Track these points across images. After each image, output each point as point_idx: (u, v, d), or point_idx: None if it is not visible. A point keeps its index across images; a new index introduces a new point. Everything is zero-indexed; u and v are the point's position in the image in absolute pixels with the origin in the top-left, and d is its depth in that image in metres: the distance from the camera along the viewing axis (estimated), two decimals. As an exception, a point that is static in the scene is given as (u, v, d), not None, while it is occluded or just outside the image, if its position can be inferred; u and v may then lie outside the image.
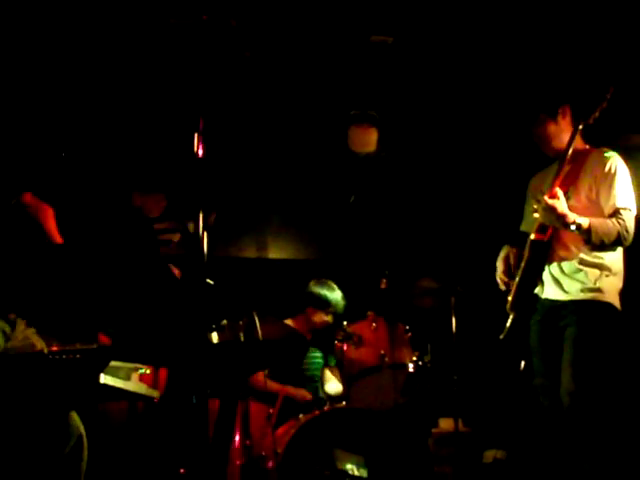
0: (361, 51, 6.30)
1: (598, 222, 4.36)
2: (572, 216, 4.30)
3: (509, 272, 4.66)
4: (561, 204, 4.30)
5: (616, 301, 4.49)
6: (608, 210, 4.40)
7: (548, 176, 4.70)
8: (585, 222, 4.31)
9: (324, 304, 6.30)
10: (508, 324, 4.52)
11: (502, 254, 4.78)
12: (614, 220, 4.37)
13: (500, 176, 6.73)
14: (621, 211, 4.39)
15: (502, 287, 4.68)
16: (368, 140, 6.89)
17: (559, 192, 4.34)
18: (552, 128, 4.63)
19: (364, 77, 6.49)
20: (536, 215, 4.48)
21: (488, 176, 7.01)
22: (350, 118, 6.88)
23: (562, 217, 4.28)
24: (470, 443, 6.36)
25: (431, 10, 5.88)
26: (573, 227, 4.31)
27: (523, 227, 4.88)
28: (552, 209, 4.27)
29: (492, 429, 6.63)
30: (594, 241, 4.35)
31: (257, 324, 4.60)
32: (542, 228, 4.47)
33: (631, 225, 4.40)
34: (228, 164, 6.17)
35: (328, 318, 6.33)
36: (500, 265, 4.74)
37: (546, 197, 4.33)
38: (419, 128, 7.00)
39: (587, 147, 4.70)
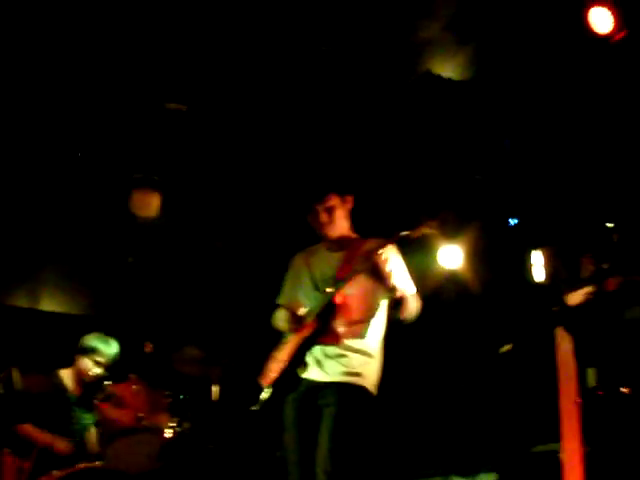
0: (153, 117, 6.37)
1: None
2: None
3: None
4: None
5: (373, 387, 4.60)
6: (400, 293, 4.49)
7: (315, 256, 4.81)
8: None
9: (91, 351, 6.21)
10: (263, 397, 4.57)
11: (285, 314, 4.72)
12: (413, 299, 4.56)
13: (269, 249, 6.89)
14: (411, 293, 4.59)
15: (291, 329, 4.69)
16: (150, 204, 6.92)
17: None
18: (339, 211, 4.68)
19: (152, 141, 6.56)
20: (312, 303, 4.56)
21: (258, 250, 7.19)
22: (134, 181, 6.90)
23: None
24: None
25: (226, 81, 6.04)
26: (398, 294, 4.40)
27: (281, 301, 4.89)
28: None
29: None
30: (409, 311, 4.50)
31: (16, 377, 4.49)
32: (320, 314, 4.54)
33: None
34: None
35: (96, 369, 6.23)
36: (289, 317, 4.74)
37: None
38: (202, 195, 7.12)
39: (357, 236, 4.83)
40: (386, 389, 4.71)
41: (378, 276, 4.38)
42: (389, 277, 4.40)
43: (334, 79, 5.95)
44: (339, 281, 4.49)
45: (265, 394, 4.53)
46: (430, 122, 6.34)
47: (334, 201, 4.66)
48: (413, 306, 4.54)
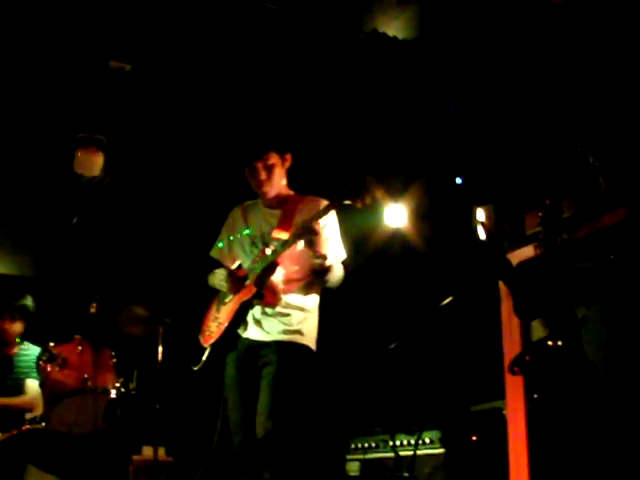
0: (96, 75, 6.29)
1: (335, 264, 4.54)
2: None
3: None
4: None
5: (313, 343, 4.66)
6: (329, 263, 4.46)
7: (253, 212, 4.82)
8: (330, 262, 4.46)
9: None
10: (205, 357, 4.58)
11: (223, 274, 4.70)
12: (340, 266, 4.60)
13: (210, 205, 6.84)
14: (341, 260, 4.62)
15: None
16: (93, 163, 6.85)
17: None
18: (278, 169, 4.68)
19: (95, 100, 6.49)
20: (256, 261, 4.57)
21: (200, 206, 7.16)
22: (77, 140, 6.83)
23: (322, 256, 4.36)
24: (171, 472, 6.41)
25: (168, 40, 5.98)
26: (328, 263, 4.39)
27: (214, 254, 4.92)
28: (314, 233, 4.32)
29: (194, 459, 6.69)
30: (332, 279, 4.52)
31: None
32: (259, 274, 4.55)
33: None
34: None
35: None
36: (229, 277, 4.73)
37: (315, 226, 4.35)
38: (147, 156, 7.07)
39: (293, 193, 4.84)
40: (331, 347, 4.74)
41: (314, 243, 4.37)
42: (324, 245, 4.44)
43: (278, 36, 5.90)
44: (279, 243, 4.49)
45: (206, 354, 4.54)
46: (375, 81, 6.32)
47: (274, 159, 4.65)
48: (338, 274, 4.57)
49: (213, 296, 4.78)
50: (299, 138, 5.16)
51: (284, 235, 4.49)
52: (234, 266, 4.66)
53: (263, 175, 4.64)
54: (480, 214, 6.00)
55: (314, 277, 4.55)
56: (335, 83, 6.36)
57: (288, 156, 4.72)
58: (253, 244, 4.67)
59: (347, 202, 4.34)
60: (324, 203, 4.56)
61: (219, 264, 4.84)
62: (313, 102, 6.52)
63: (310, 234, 4.32)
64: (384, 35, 5.95)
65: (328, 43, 5.99)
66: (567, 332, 5.20)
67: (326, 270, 4.44)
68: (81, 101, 6.53)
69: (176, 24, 5.80)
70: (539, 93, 5.84)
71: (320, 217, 4.40)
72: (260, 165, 4.62)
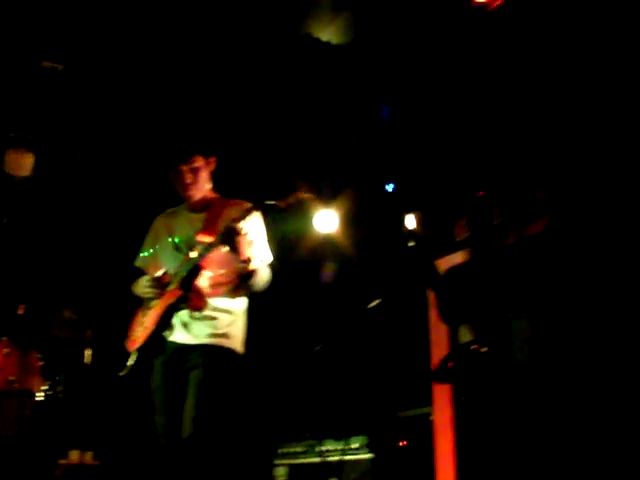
0: (29, 75, 6.23)
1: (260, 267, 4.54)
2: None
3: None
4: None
5: (240, 346, 4.64)
6: (253, 267, 4.47)
7: (177, 218, 4.77)
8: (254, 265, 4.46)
9: None
10: (130, 362, 4.54)
11: (147, 280, 4.63)
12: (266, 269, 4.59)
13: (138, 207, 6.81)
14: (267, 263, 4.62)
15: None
16: (24, 164, 6.78)
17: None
18: (204, 172, 4.66)
19: (26, 100, 6.43)
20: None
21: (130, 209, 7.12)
22: (7, 141, 6.75)
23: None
24: (97, 477, 6.36)
25: (100, 41, 5.96)
26: (252, 266, 4.38)
27: (139, 263, 4.87)
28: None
29: (122, 464, 6.65)
30: (257, 283, 4.50)
31: None
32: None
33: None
34: None
35: None
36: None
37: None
38: (76, 157, 7.02)
39: (218, 196, 4.81)
40: (260, 352, 4.74)
41: (238, 246, 4.35)
42: (248, 248, 4.41)
43: (208, 38, 5.90)
44: (203, 246, 4.46)
45: (132, 359, 4.51)
46: (307, 85, 6.34)
47: (199, 162, 4.63)
48: (264, 277, 4.56)
49: (141, 303, 4.73)
50: (226, 142, 5.13)
51: (208, 238, 4.46)
52: (158, 273, 4.62)
53: (189, 178, 4.61)
54: (409, 220, 6.07)
55: (240, 281, 4.55)
56: (267, 86, 6.36)
57: (212, 159, 4.70)
58: (178, 249, 4.63)
59: (270, 202, 4.36)
60: (248, 206, 4.54)
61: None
62: (244, 105, 6.51)
63: (233, 237, 4.31)
64: (317, 40, 5.98)
65: (260, 46, 6.00)
66: (493, 336, 5.29)
67: (250, 274, 4.44)
68: (12, 101, 6.46)
69: (107, 24, 5.77)
70: (469, 99, 5.91)
71: (243, 219, 4.37)
72: (185, 168, 4.60)
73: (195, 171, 4.62)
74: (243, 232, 4.35)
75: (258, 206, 4.44)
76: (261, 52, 6.05)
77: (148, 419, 4.62)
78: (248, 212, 4.40)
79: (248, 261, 4.37)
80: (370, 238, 6.66)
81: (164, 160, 4.64)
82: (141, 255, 4.86)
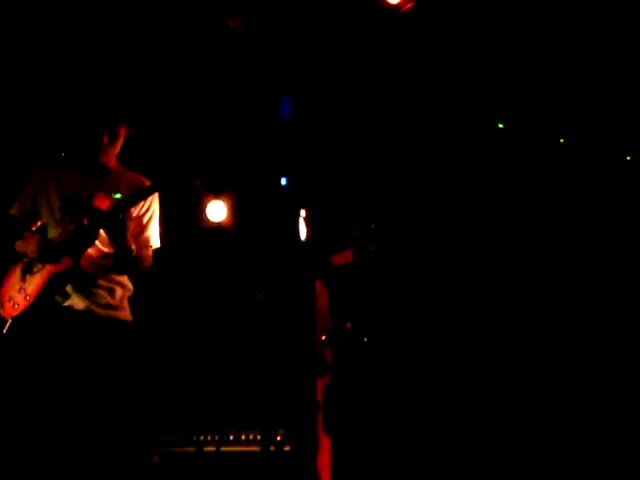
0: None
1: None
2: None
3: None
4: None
5: (129, 316, 4.58)
6: (143, 251, 4.50)
7: (68, 175, 4.62)
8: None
9: None
10: (5, 330, 4.34)
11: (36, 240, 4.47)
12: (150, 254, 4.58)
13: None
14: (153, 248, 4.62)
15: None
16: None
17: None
18: (121, 140, 4.62)
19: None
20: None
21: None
22: None
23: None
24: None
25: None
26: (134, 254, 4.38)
27: (14, 212, 4.64)
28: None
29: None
30: (143, 267, 4.51)
31: None
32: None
33: None
34: None
35: None
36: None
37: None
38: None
39: (119, 166, 4.73)
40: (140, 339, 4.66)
41: (123, 231, 4.33)
42: (138, 232, 4.50)
43: (124, 20, 5.85)
44: (98, 215, 4.34)
45: (7, 326, 4.32)
46: (210, 74, 6.28)
47: (123, 128, 4.60)
48: (147, 261, 4.56)
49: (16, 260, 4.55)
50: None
51: (104, 206, 4.36)
52: (36, 227, 4.45)
53: (106, 140, 4.55)
54: (302, 215, 6.08)
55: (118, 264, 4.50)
56: (175, 73, 6.27)
57: (130, 130, 4.67)
58: (65, 209, 4.49)
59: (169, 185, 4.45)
60: (146, 183, 4.57)
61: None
62: (154, 87, 6.37)
63: (121, 225, 4.29)
64: (227, 28, 5.94)
65: (173, 31, 5.94)
66: (371, 332, 5.36)
67: (132, 261, 4.43)
68: None
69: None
70: (372, 99, 5.95)
71: (139, 200, 4.42)
72: (108, 130, 4.54)
73: (115, 136, 4.57)
74: (140, 210, 4.45)
75: (157, 187, 4.48)
76: (175, 37, 6.00)
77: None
78: (145, 193, 4.45)
79: (129, 252, 4.37)
80: (261, 230, 6.63)
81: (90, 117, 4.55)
82: (20, 204, 4.65)
